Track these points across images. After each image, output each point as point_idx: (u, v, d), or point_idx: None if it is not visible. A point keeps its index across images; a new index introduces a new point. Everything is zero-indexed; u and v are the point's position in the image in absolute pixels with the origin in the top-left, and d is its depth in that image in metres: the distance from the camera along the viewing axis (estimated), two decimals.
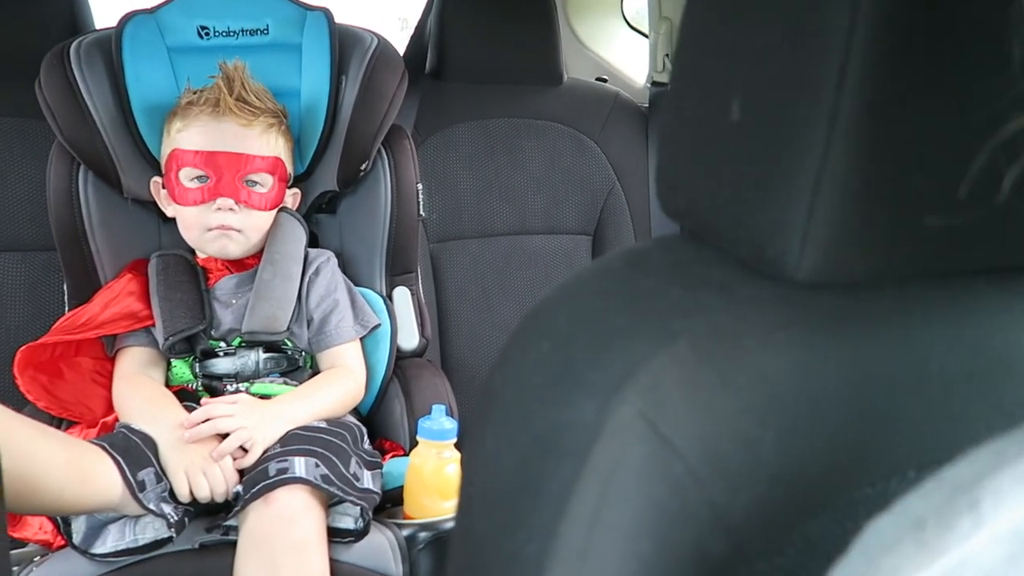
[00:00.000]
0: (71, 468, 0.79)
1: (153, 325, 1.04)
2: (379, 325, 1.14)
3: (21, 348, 0.99)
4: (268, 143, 1.05)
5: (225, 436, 0.93)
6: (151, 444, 0.91)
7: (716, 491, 0.34)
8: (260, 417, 0.95)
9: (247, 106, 1.03)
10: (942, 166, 0.32)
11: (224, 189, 1.02)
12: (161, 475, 0.89)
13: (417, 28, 1.73)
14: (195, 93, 1.05)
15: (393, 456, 1.08)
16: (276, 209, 1.08)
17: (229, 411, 0.93)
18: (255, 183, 1.05)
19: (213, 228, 1.03)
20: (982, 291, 0.36)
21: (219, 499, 0.91)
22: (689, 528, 0.35)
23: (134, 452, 0.88)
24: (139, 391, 1.00)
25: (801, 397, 0.36)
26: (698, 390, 0.35)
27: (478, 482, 0.41)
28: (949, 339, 0.36)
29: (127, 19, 1.12)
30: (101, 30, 1.18)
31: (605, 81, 1.89)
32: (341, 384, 1.06)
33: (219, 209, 1.03)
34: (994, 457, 0.24)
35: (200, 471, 0.89)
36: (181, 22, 1.14)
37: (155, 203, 1.12)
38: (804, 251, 0.34)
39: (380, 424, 1.17)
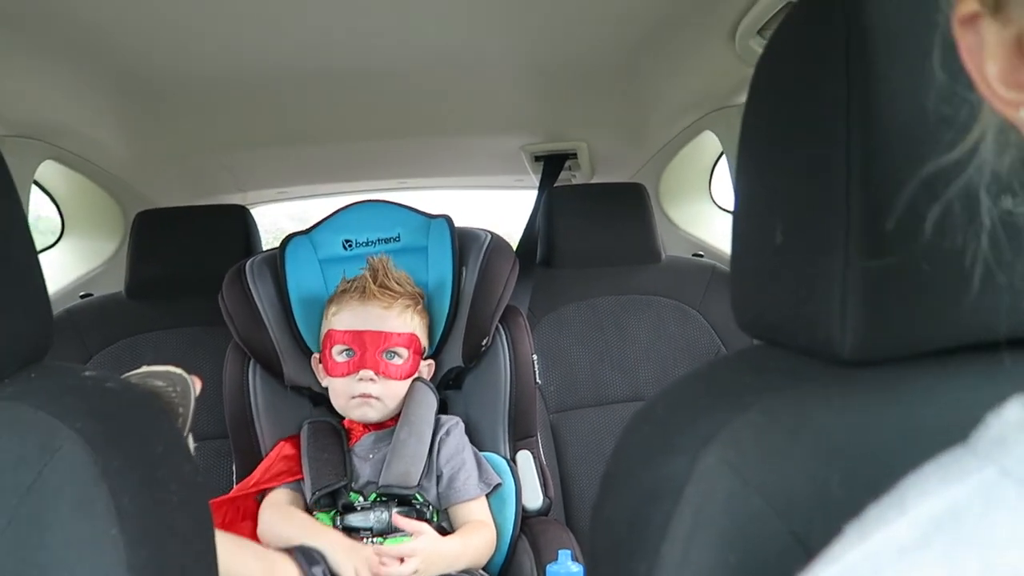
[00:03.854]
0: (263, 573, 0.95)
1: (302, 478, 1.18)
2: (500, 485, 1.23)
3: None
4: (405, 321, 1.22)
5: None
6: (320, 555, 1.04)
7: (795, 521, 0.42)
8: (432, 555, 1.07)
9: (388, 291, 1.21)
10: (943, 256, 0.40)
11: (367, 362, 1.19)
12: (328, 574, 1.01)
13: (528, 225, 1.96)
14: (348, 282, 1.25)
15: None
16: (411, 378, 1.23)
17: (421, 548, 1.06)
18: (394, 355, 1.21)
19: (356, 396, 1.19)
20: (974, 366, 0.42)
21: None
22: (770, 548, 0.42)
23: (308, 554, 1.03)
24: (294, 518, 1.13)
25: (861, 449, 0.43)
26: (770, 443, 0.44)
27: (601, 535, 0.50)
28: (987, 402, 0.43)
29: (288, 240, 1.36)
30: (268, 251, 1.43)
31: (702, 256, 2.02)
32: (483, 534, 1.17)
33: (361, 380, 1.19)
34: (935, 465, 0.31)
35: (366, 564, 1.02)
36: (329, 238, 1.38)
37: (308, 388, 1.29)
38: (845, 335, 0.43)
39: None
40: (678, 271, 1.79)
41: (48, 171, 1.84)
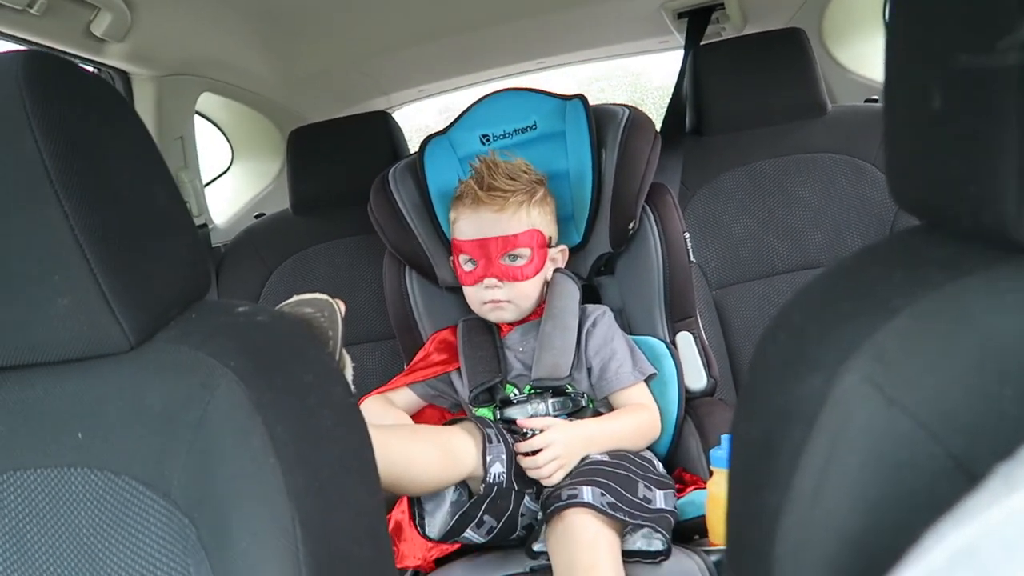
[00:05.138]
0: (441, 454, 0.99)
1: (454, 369, 1.23)
2: (655, 374, 1.20)
3: (360, 399, 1.21)
4: (521, 220, 1.18)
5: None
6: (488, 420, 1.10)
7: (954, 443, 0.36)
8: (569, 441, 1.06)
9: (497, 192, 1.17)
10: None
11: (489, 270, 1.18)
12: (500, 435, 1.03)
13: (675, 90, 1.84)
14: (462, 185, 1.23)
15: (695, 489, 1.13)
16: (539, 274, 1.21)
17: (553, 439, 1.06)
18: (516, 256, 1.19)
19: (486, 302, 1.20)
20: None
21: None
22: (921, 477, 0.37)
23: (480, 421, 1.06)
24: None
25: None
26: (922, 355, 0.38)
27: (736, 459, 0.47)
28: None
29: (426, 143, 1.35)
30: (410, 155, 1.45)
31: (876, 101, 1.81)
32: (636, 415, 1.15)
33: (487, 287, 1.19)
34: None
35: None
36: (466, 136, 1.36)
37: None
38: (1021, 212, 0.36)
39: (679, 462, 1.22)
40: (847, 122, 1.62)
41: (210, 103, 1.96)
